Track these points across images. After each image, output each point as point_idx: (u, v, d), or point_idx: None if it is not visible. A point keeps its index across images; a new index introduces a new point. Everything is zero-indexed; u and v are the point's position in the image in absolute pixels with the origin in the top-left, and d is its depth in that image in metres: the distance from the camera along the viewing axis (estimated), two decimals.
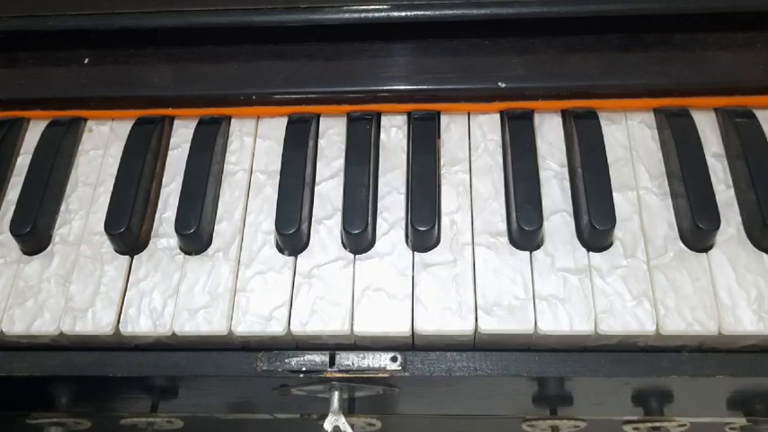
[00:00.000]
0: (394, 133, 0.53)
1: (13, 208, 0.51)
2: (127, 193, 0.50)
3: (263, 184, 0.52)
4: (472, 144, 0.53)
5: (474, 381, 0.46)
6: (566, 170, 0.51)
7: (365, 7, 0.52)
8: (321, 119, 0.54)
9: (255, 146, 0.54)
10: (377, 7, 0.52)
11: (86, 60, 0.56)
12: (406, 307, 0.46)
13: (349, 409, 0.54)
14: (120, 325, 0.47)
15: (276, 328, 0.46)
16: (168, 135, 0.55)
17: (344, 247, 0.49)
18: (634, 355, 0.46)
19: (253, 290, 0.48)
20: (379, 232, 0.49)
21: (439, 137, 0.53)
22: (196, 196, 0.50)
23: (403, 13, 0.52)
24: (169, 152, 0.54)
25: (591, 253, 0.47)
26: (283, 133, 0.53)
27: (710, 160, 0.50)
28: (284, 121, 0.54)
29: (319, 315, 0.46)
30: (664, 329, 0.45)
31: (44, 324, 0.47)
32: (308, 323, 0.46)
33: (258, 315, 0.47)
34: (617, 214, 0.47)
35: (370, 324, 0.46)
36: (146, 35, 0.55)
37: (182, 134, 0.55)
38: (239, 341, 0.47)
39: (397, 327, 0.46)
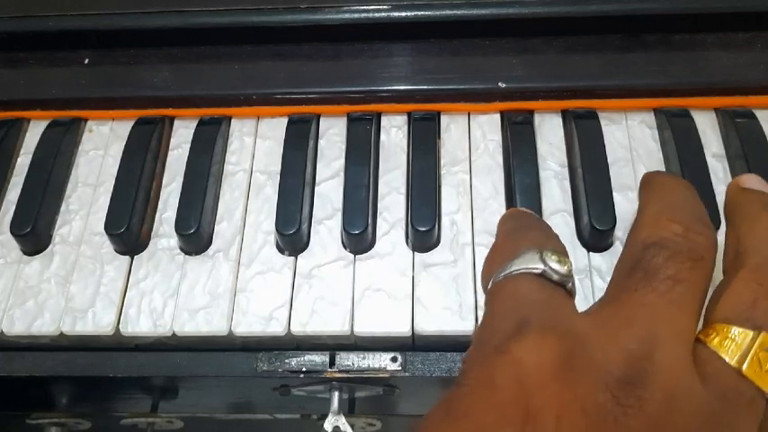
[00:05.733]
0: (394, 133, 0.53)
1: (13, 208, 0.51)
2: (127, 194, 0.50)
3: (264, 185, 0.52)
4: (472, 144, 0.53)
5: None
6: (566, 170, 0.51)
7: (365, 7, 0.52)
8: (321, 119, 0.54)
9: (255, 146, 0.54)
10: (377, 7, 0.52)
11: (86, 61, 0.56)
12: (406, 307, 0.46)
13: (349, 409, 0.54)
14: (120, 325, 0.47)
15: (276, 328, 0.46)
16: (168, 135, 0.55)
17: (344, 247, 0.49)
18: None
19: (253, 290, 0.48)
20: (379, 232, 0.49)
21: (439, 137, 0.53)
22: (196, 196, 0.50)
23: (403, 14, 0.52)
24: (169, 152, 0.54)
25: (591, 253, 0.47)
26: (283, 133, 0.53)
27: (710, 160, 0.50)
28: (284, 121, 0.54)
29: (319, 315, 0.46)
30: None
31: (44, 324, 0.47)
32: (308, 323, 0.46)
33: (258, 315, 0.47)
34: (617, 214, 0.47)
35: (370, 324, 0.46)
36: (146, 35, 0.55)
37: (182, 134, 0.55)
38: (239, 341, 0.47)
39: (398, 327, 0.46)
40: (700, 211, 0.36)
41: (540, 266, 0.33)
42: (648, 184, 0.39)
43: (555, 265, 0.33)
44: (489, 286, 0.36)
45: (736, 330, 0.31)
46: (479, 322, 0.35)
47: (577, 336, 0.31)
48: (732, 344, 0.31)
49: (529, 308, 0.32)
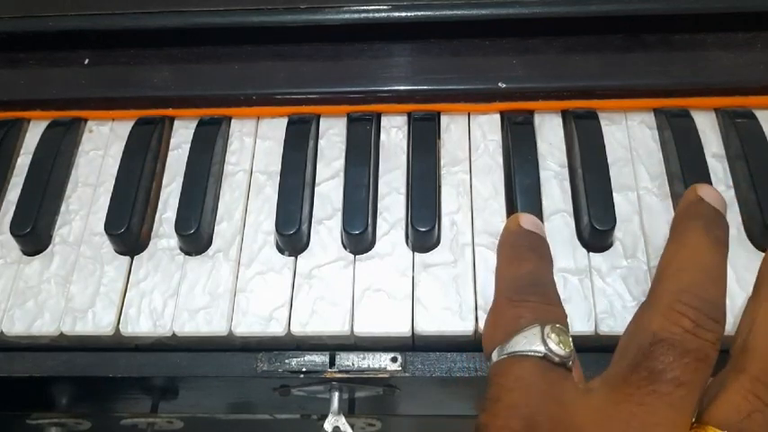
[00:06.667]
0: (394, 134, 0.53)
1: (13, 208, 0.51)
2: (127, 194, 0.50)
3: (264, 185, 0.52)
4: (472, 144, 0.53)
5: (474, 381, 0.46)
6: (566, 170, 0.51)
7: (365, 7, 0.52)
8: (321, 119, 0.54)
9: (255, 146, 0.54)
10: (377, 7, 0.52)
11: (86, 61, 0.56)
12: (406, 307, 0.46)
13: (349, 409, 0.54)
14: (120, 325, 0.47)
15: (276, 328, 0.46)
16: (168, 135, 0.55)
17: (344, 247, 0.49)
18: None
19: (253, 290, 0.48)
20: (379, 233, 0.49)
21: (439, 137, 0.53)
22: (196, 197, 0.50)
23: (403, 14, 0.52)
24: (169, 152, 0.54)
25: (591, 253, 0.47)
26: (283, 134, 0.53)
27: (710, 160, 0.50)
28: (284, 121, 0.54)
29: (319, 315, 0.46)
30: None
31: (44, 325, 0.47)
32: (308, 324, 0.46)
33: (258, 315, 0.47)
34: (617, 215, 0.47)
35: (370, 324, 0.46)
36: (146, 36, 0.55)
37: (182, 134, 0.55)
38: (239, 342, 0.47)
39: (397, 327, 0.46)
40: (715, 295, 0.36)
41: (542, 350, 0.35)
42: (678, 240, 0.39)
43: (555, 348, 0.35)
44: (494, 359, 0.37)
45: None
46: (485, 402, 0.36)
47: None
48: None
49: (535, 403, 0.34)
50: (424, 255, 0.48)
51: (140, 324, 0.47)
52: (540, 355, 0.35)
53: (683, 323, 0.34)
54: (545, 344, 0.35)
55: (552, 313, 0.38)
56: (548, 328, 0.36)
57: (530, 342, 0.36)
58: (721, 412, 0.33)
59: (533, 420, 0.34)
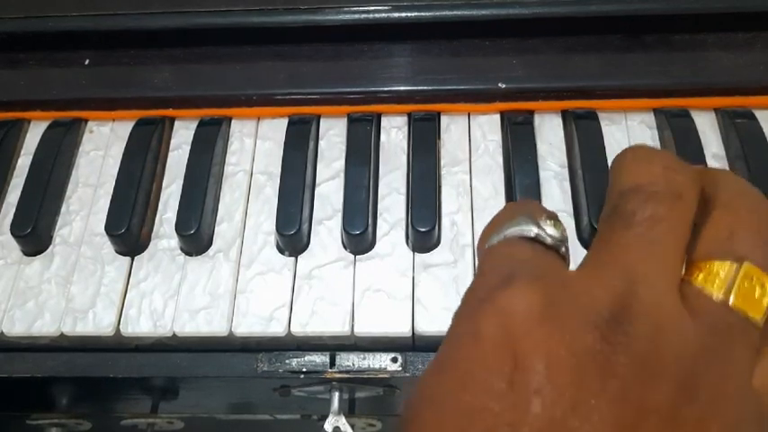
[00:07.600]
0: (394, 134, 0.54)
1: (13, 209, 0.51)
2: (127, 194, 0.50)
3: (264, 186, 0.52)
4: (472, 145, 0.53)
5: None
6: (566, 170, 0.51)
7: (365, 8, 0.52)
8: (321, 120, 0.54)
9: (256, 147, 0.54)
10: (377, 8, 0.52)
11: (87, 61, 0.56)
12: (406, 308, 0.46)
13: (349, 409, 0.54)
14: (120, 326, 0.47)
15: (276, 328, 0.46)
16: (169, 136, 0.55)
17: (345, 247, 0.49)
18: None
19: (253, 291, 0.48)
20: (379, 233, 0.49)
21: (439, 137, 0.53)
22: (197, 197, 0.50)
23: (403, 14, 0.52)
24: (170, 153, 0.54)
25: None
26: (284, 134, 0.53)
27: (710, 161, 0.50)
28: (284, 122, 0.54)
29: (320, 316, 0.46)
30: None
31: (44, 325, 0.47)
32: (308, 324, 0.46)
33: (259, 316, 0.47)
34: None
35: (370, 325, 0.46)
36: (146, 36, 0.55)
37: (182, 135, 0.55)
38: (240, 342, 0.47)
39: (398, 327, 0.46)
40: (677, 158, 0.35)
41: (534, 229, 0.33)
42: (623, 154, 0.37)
43: (549, 229, 0.33)
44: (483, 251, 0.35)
45: (718, 264, 0.31)
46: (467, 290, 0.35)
47: (563, 282, 0.31)
48: (716, 278, 0.30)
49: (518, 264, 0.32)
50: (424, 255, 0.48)
51: (141, 324, 0.47)
52: (531, 234, 0.33)
53: (652, 169, 0.32)
54: (538, 225, 0.33)
55: (550, 212, 0.35)
56: (543, 216, 0.33)
57: (521, 225, 0.33)
58: (705, 244, 0.31)
59: (513, 273, 0.30)
